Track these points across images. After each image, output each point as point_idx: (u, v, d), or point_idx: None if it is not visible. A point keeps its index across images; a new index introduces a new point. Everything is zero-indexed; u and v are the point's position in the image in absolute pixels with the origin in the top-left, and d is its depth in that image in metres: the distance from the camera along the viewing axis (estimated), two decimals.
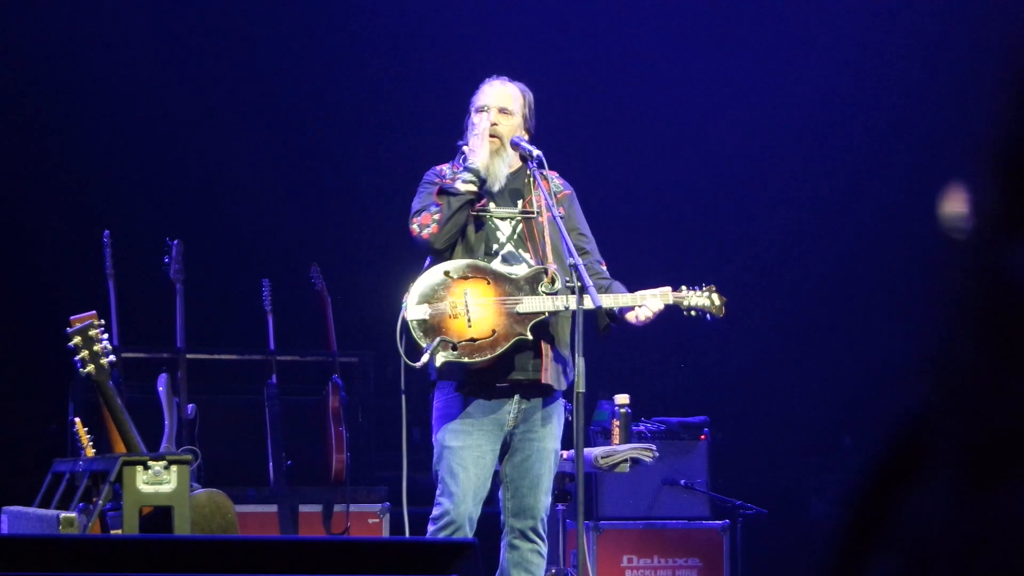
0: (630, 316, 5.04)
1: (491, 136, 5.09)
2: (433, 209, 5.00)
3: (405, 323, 4.94)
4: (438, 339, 4.90)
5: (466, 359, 4.92)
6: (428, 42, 8.58)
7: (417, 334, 4.92)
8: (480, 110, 5.14)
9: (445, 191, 5.01)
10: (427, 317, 4.93)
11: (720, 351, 8.50)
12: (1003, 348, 0.84)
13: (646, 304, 5.01)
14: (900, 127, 8.47)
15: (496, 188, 5.09)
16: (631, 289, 5.08)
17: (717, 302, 5.23)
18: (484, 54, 8.03)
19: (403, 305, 4.97)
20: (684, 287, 5.19)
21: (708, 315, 5.22)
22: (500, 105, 5.13)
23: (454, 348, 4.92)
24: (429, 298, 4.95)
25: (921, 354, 0.88)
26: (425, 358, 4.89)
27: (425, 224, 5.00)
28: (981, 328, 0.85)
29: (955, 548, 0.83)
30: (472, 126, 5.13)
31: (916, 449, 0.88)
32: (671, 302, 5.12)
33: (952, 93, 7.91)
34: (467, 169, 5.02)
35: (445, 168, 5.17)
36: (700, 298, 5.20)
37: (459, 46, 8.41)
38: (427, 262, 5.10)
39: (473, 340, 4.93)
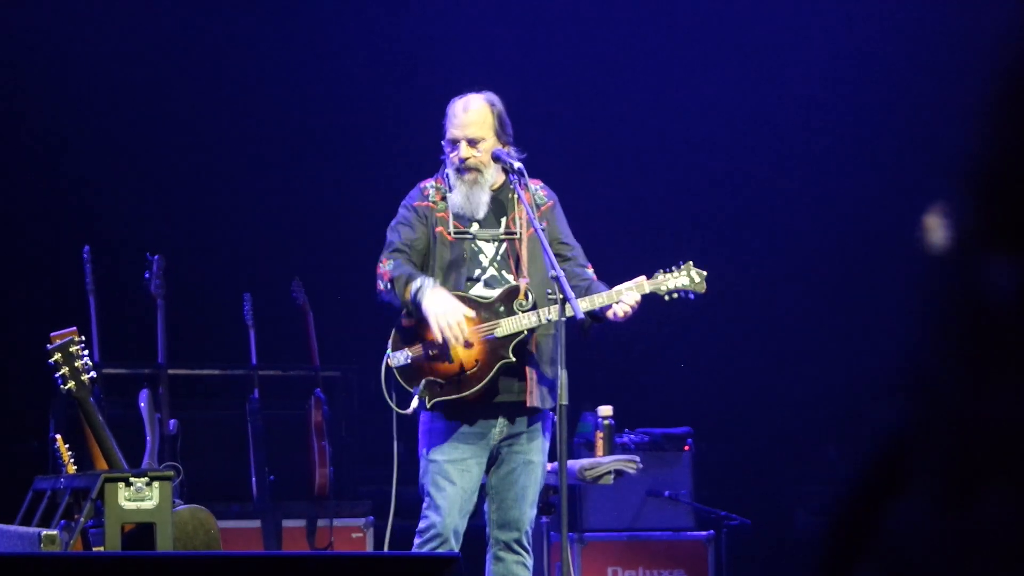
0: (609, 314, 4.98)
1: (469, 169, 5.06)
2: (402, 282, 4.91)
3: (389, 370, 4.93)
4: (424, 382, 4.89)
5: (456, 395, 4.91)
6: (411, 55, 8.57)
7: (403, 379, 4.91)
8: (452, 143, 5.10)
9: (412, 300, 4.88)
10: (409, 361, 4.92)
11: (703, 362, 8.50)
12: (982, 362, 0.84)
13: (622, 300, 4.94)
14: (881, 142, 8.48)
15: (480, 215, 5.07)
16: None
17: (697, 279, 5.05)
18: (467, 61, 8.03)
19: (387, 352, 4.96)
20: (660, 271, 5.02)
21: (691, 295, 5.05)
22: (468, 136, 5.04)
23: (441, 387, 4.90)
24: (409, 341, 4.94)
25: (902, 368, 0.88)
26: (414, 403, 4.88)
27: (385, 278, 4.97)
28: (960, 342, 0.85)
29: (935, 560, 0.83)
30: (450, 161, 5.08)
31: (897, 462, 0.88)
32: (648, 291, 4.97)
33: (935, 109, 7.93)
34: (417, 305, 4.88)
35: (429, 187, 5.13)
36: (679, 278, 5.03)
37: (442, 57, 8.41)
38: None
39: (459, 374, 4.92)
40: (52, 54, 8.18)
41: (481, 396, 4.95)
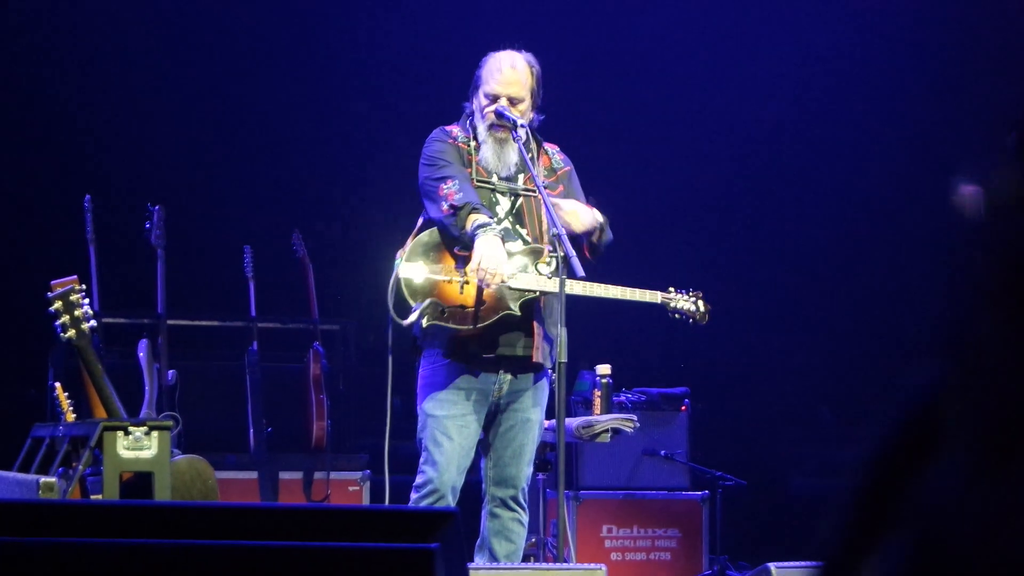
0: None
1: (503, 127, 5.04)
2: (467, 211, 4.90)
3: (397, 280, 4.93)
4: (428, 301, 4.90)
5: (452, 324, 4.92)
6: (416, 6, 8.54)
7: (408, 292, 4.92)
8: (491, 97, 5.06)
9: (469, 232, 4.87)
10: (420, 277, 4.93)
11: (702, 323, 8.50)
12: (1020, 325, 0.83)
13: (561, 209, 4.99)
14: (912, 101, 8.44)
15: (504, 173, 5.08)
16: (625, 279, 5.15)
17: (702, 309, 5.39)
18: (474, 21, 8.00)
19: (396, 262, 4.97)
20: (672, 289, 5.34)
21: (691, 319, 5.38)
22: (510, 94, 5.04)
23: (443, 312, 4.92)
24: (424, 258, 4.95)
25: (937, 331, 0.88)
26: (413, 317, 4.89)
27: (449, 199, 4.94)
28: (1000, 305, 0.84)
29: (970, 527, 0.82)
30: (483, 115, 5.05)
31: (931, 426, 0.87)
32: (659, 301, 5.28)
33: (973, 70, 7.92)
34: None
35: (456, 130, 5.12)
36: (686, 302, 5.36)
37: (448, 10, 8.38)
38: (420, 222, 5.08)
39: (462, 307, 4.94)
40: (54, 7, 8.14)
41: (480, 341, 4.96)
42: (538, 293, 4.99)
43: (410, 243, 4.99)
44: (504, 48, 5.13)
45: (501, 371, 5.02)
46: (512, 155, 5.06)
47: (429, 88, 7.72)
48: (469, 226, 4.87)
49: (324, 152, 8.50)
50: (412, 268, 4.94)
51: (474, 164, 5.06)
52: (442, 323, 4.92)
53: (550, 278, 4.96)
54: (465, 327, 4.94)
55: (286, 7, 8.52)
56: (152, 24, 8.27)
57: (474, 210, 4.89)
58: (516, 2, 8.54)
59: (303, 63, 8.54)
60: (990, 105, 7.03)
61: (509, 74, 5.05)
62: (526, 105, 5.07)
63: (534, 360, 5.00)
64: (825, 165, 8.64)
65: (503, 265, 4.87)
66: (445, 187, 4.96)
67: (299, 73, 8.53)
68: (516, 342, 5.01)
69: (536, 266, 4.99)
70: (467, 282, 4.91)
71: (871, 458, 0.90)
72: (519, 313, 4.96)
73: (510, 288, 4.96)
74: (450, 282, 4.93)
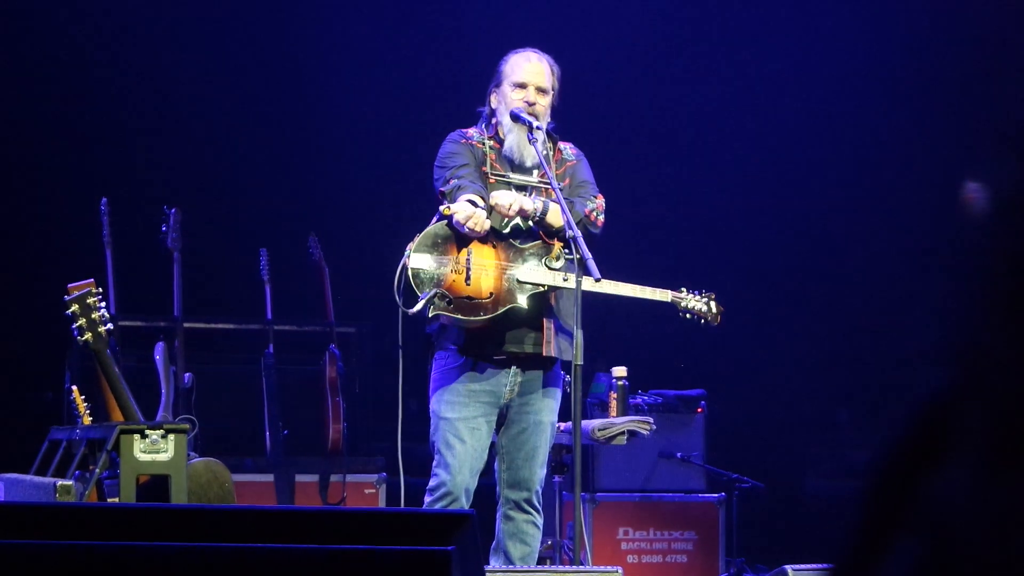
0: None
1: (530, 115, 5.07)
2: (469, 200, 4.93)
3: (405, 270, 4.94)
4: (434, 291, 4.91)
5: (459, 315, 4.93)
6: (430, 10, 8.54)
7: (415, 282, 4.93)
8: (518, 86, 5.09)
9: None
10: (428, 268, 4.94)
11: (717, 325, 8.49)
12: None
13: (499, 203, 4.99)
14: (917, 106, 8.43)
15: (528, 164, 5.10)
16: (639, 281, 5.15)
17: (714, 310, 5.37)
18: (488, 26, 8.00)
19: (406, 252, 4.98)
20: (684, 289, 5.33)
21: (703, 320, 5.36)
22: (538, 84, 5.10)
23: (449, 303, 4.92)
24: (432, 250, 4.96)
25: (946, 338, 0.88)
26: (419, 305, 4.89)
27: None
28: (1007, 310, 0.84)
29: (980, 528, 0.82)
30: (507, 107, 5.06)
31: (941, 431, 0.87)
32: (669, 300, 5.27)
33: (977, 75, 7.90)
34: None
35: (472, 132, 5.15)
36: (698, 302, 5.34)
37: (463, 14, 8.38)
38: (434, 220, 5.10)
39: (469, 299, 4.94)
40: (69, 9, 8.16)
41: (489, 337, 4.96)
42: (546, 288, 4.99)
43: (419, 234, 5.00)
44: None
45: (512, 368, 5.02)
46: (535, 144, 5.08)
47: (445, 91, 7.72)
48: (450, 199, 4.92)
49: (340, 155, 8.51)
50: (419, 258, 4.95)
51: (489, 162, 5.08)
52: (448, 313, 4.92)
53: (561, 272, 4.97)
54: (471, 318, 4.93)
55: (302, 12, 8.53)
56: (169, 27, 8.29)
57: (459, 190, 4.93)
58: (533, 6, 8.54)
59: (319, 67, 8.55)
60: (1001, 104, 7.01)
61: (536, 64, 5.14)
62: (549, 100, 5.11)
63: (544, 355, 5.00)
64: (842, 167, 8.63)
65: (471, 208, 4.85)
66: (446, 186, 5.01)
67: (315, 77, 8.54)
68: (524, 338, 5.01)
69: (545, 261, 5.00)
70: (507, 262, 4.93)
71: (883, 460, 0.90)
72: (525, 307, 4.96)
73: (519, 281, 4.97)
74: (456, 273, 4.95)
